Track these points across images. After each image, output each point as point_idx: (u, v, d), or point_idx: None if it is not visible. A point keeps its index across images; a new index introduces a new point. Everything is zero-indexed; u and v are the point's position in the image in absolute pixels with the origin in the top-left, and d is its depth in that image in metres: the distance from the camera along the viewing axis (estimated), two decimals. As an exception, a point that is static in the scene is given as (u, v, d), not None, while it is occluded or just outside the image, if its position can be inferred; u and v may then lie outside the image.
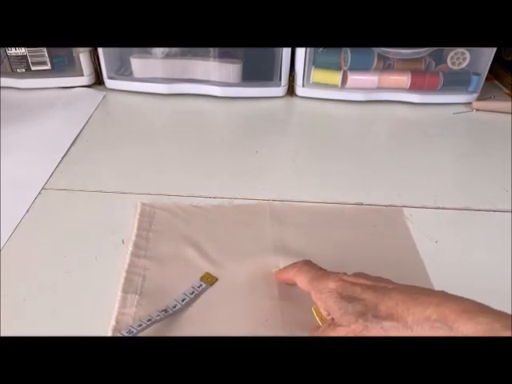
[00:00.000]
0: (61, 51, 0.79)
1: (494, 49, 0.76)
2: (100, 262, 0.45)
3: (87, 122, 0.71)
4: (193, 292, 0.41)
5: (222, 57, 0.77)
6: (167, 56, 0.77)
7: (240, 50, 0.78)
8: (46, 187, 0.55)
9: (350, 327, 0.32)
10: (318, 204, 0.55)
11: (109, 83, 0.81)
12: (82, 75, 0.80)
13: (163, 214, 0.51)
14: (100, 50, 0.78)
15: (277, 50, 0.76)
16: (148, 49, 0.77)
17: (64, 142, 0.65)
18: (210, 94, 0.79)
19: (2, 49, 0.75)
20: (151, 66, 0.78)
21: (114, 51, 0.81)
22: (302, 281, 0.37)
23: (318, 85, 0.80)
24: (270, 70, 0.79)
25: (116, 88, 0.81)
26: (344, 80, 0.79)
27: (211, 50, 0.76)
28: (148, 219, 0.50)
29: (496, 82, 0.90)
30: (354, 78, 0.78)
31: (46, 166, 0.59)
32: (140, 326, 0.37)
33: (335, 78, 0.79)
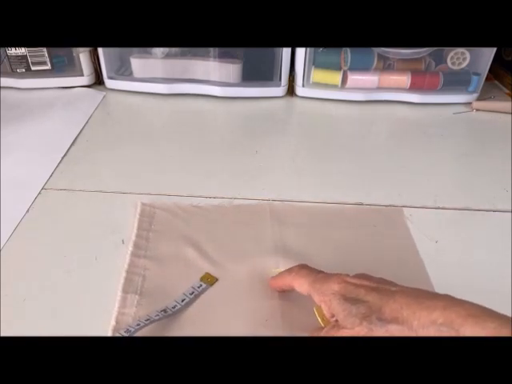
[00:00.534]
0: (61, 51, 0.79)
1: (494, 49, 0.76)
2: (100, 262, 0.45)
3: (87, 122, 0.71)
4: (192, 292, 0.41)
5: (222, 57, 0.77)
6: (167, 56, 0.77)
7: (240, 50, 0.78)
8: (46, 187, 0.55)
9: (354, 329, 0.32)
10: (318, 204, 0.55)
11: (109, 83, 0.81)
12: (82, 75, 0.80)
13: (163, 213, 0.51)
14: (100, 50, 0.78)
15: (277, 50, 0.76)
16: (148, 49, 0.77)
17: (64, 142, 0.65)
18: (210, 94, 0.79)
19: (2, 49, 0.75)
20: (151, 66, 0.78)
21: (114, 51, 0.81)
22: (301, 284, 0.37)
23: (318, 85, 0.80)
24: (270, 70, 0.79)
25: (116, 88, 0.81)
26: (344, 80, 0.79)
27: (211, 50, 0.76)
28: (148, 219, 0.50)
29: (496, 82, 0.90)
30: (354, 78, 0.78)
31: (46, 166, 0.59)
32: (138, 325, 0.37)
33: (335, 78, 0.78)
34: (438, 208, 0.55)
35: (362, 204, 0.55)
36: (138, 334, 0.36)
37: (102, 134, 0.68)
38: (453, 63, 0.77)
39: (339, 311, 0.33)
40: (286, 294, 0.42)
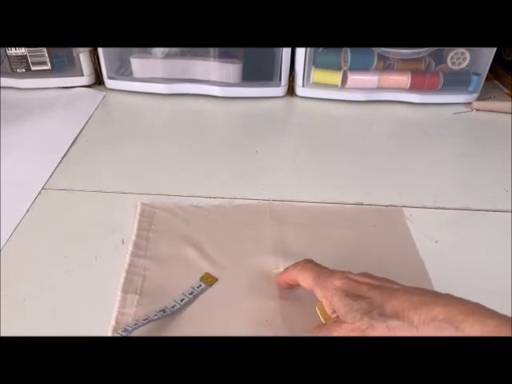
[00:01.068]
0: (61, 51, 0.79)
1: (494, 49, 0.76)
2: (100, 262, 0.45)
3: (87, 122, 0.71)
4: (192, 292, 0.41)
5: (222, 57, 0.77)
6: (167, 56, 0.77)
7: (240, 50, 0.78)
8: (46, 187, 0.55)
9: (355, 324, 0.32)
10: (318, 204, 0.55)
11: (109, 83, 0.81)
12: (82, 75, 0.80)
13: (163, 214, 0.51)
14: (100, 50, 0.78)
15: (277, 50, 0.76)
16: (148, 49, 0.77)
17: (64, 142, 0.65)
18: (210, 94, 0.79)
19: (2, 49, 0.75)
20: (151, 66, 0.78)
21: (114, 51, 0.81)
22: (305, 279, 0.37)
23: (318, 85, 0.80)
24: (270, 70, 0.79)
25: (116, 88, 0.81)
26: (344, 80, 0.79)
27: (211, 50, 0.76)
28: (148, 219, 0.50)
29: (496, 82, 0.90)
30: (354, 78, 0.78)
31: (46, 166, 0.59)
32: (136, 324, 0.37)
33: (335, 78, 0.78)
34: (438, 208, 0.55)
35: (362, 204, 0.55)
36: (137, 333, 0.36)
37: (102, 134, 0.68)
38: (453, 63, 0.77)
39: (340, 306, 0.33)
40: (285, 293, 0.42)
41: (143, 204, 0.52)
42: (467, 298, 0.30)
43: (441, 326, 0.28)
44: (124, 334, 0.36)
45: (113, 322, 0.38)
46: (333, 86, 0.80)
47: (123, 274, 0.43)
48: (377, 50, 0.76)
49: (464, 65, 0.77)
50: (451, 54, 0.76)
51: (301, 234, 0.49)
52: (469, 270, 0.46)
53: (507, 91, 0.86)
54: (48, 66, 0.78)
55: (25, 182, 0.56)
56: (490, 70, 0.80)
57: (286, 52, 0.76)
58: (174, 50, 0.77)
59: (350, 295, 0.33)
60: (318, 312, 0.37)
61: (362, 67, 0.78)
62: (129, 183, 0.57)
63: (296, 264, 0.39)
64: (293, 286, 0.41)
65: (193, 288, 0.42)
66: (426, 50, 0.76)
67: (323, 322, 0.37)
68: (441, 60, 0.78)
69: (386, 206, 0.55)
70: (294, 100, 0.82)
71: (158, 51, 0.77)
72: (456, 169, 0.64)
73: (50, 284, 0.42)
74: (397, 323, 0.30)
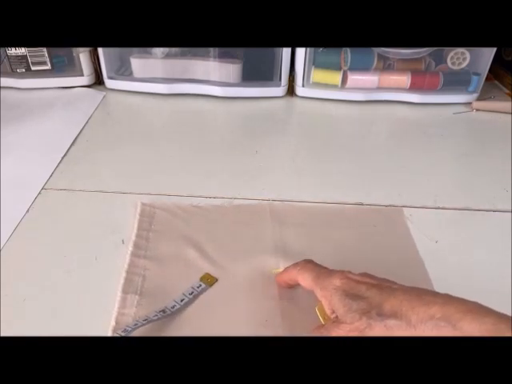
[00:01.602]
0: (61, 51, 0.79)
1: (494, 49, 0.76)
2: (100, 262, 0.45)
3: (87, 122, 0.71)
4: (192, 292, 0.41)
5: (222, 57, 0.77)
6: (167, 56, 0.77)
7: (240, 50, 0.78)
8: (46, 187, 0.55)
9: (353, 324, 0.32)
10: (318, 204, 0.55)
11: (109, 83, 0.81)
12: (82, 75, 0.80)
13: (163, 214, 0.51)
14: (100, 50, 0.78)
15: (277, 50, 0.76)
16: (148, 49, 0.77)
17: (64, 142, 0.65)
18: (210, 94, 0.79)
19: (2, 49, 0.75)
20: (151, 65, 0.78)
21: (114, 51, 0.81)
22: (305, 279, 0.37)
23: (317, 85, 0.80)
24: (269, 70, 0.79)
25: (116, 88, 0.81)
26: (344, 80, 0.79)
27: (211, 50, 0.76)
28: (148, 219, 0.50)
29: (496, 81, 0.90)
30: (354, 78, 0.78)
31: (46, 166, 0.59)
32: (136, 325, 0.37)
33: (335, 78, 0.78)
34: (438, 208, 0.55)
35: (362, 204, 0.55)
36: (137, 333, 0.36)
37: (102, 134, 0.68)
38: (453, 63, 0.77)
39: (339, 307, 0.33)
40: (285, 294, 0.42)
41: (143, 204, 0.52)
42: (467, 298, 0.30)
43: (438, 324, 0.29)
44: (123, 335, 0.36)
45: (113, 323, 0.38)
46: (333, 86, 0.80)
47: (123, 274, 0.43)
48: (377, 50, 0.76)
49: (464, 65, 0.77)
50: (451, 54, 0.76)
51: (301, 233, 0.49)
52: (469, 270, 0.46)
53: (507, 91, 0.86)
54: (48, 66, 0.78)
55: (25, 181, 0.56)
56: (490, 70, 0.80)
57: (286, 52, 0.76)
58: (174, 50, 0.77)
59: (349, 295, 0.33)
60: (318, 313, 0.37)
61: (362, 67, 0.78)
62: (129, 183, 0.57)
63: (296, 264, 0.39)
64: (292, 286, 0.41)
65: (193, 288, 0.42)
66: (425, 50, 0.76)
67: (323, 322, 0.37)
68: (441, 60, 0.78)
69: (386, 205, 0.55)
70: (294, 100, 0.82)
71: (158, 51, 0.77)
72: (456, 169, 0.64)
73: (50, 284, 0.42)
74: (394, 322, 0.31)
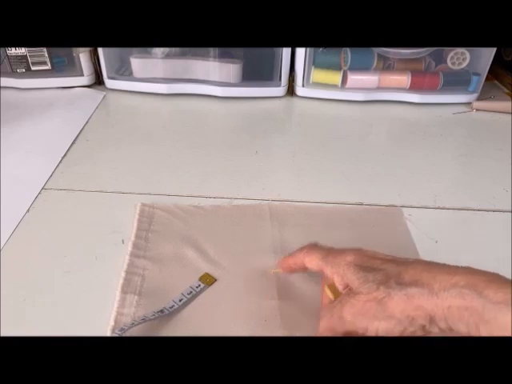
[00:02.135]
0: (61, 51, 0.79)
1: (494, 49, 0.76)
2: (100, 262, 0.45)
3: (87, 122, 0.71)
4: (191, 292, 0.41)
5: (222, 57, 0.77)
6: (167, 56, 0.77)
7: (240, 50, 0.79)
8: (46, 187, 0.55)
9: (371, 294, 0.31)
10: (318, 204, 0.55)
11: (109, 83, 0.81)
12: (82, 75, 0.80)
13: (163, 214, 0.51)
14: (100, 50, 0.78)
15: (277, 50, 0.76)
16: (148, 49, 0.77)
17: (64, 142, 0.65)
18: (210, 93, 0.79)
19: (2, 49, 0.75)
20: (151, 65, 0.78)
21: (114, 51, 0.81)
22: (312, 260, 0.36)
23: (317, 85, 0.80)
24: (269, 70, 0.79)
25: (116, 88, 0.81)
26: (344, 80, 0.79)
27: (211, 50, 0.76)
28: (147, 219, 0.50)
29: (496, 81, 0.90)
30: (354, 78, 0.78)
31: (45, 166, 0.59)
32: (133, 324, 0.37)
33: (335, 78, 0.79)
34: (438, 208, 0.55)
35: (362, 204, 0.55)
36: (135, 333, 0.36)
37: (102, 134, 0.68)
38: (453, 63, 0.77)
39: (354, 279, 0.32)
40: (285, 294, 0.41)
41: (143, 204, 0.52)
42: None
43: (462, 292, 0.28)
44: (120, 333, 0.36)
45: (112, 323, 0.38)
46: (333, 86, 0.80)
47: (122, 274, 0.43)
48: (377, 50, 0.76)
49: (464, 65, 0.77)
50: (451, 54, 0.76)
51: (301, 233, 0.49)
52: (469, 270, 0.46)
53: (507, 91, 0.86)
54: (48, 66, 0.78)
55: (25, 181, 0.56)
56: (490, 70, 0.80)
57: (286, 52, 0.76)
58: (174, 50, 0.77)
59: (363, 268, 0.32)
60: (328, 291, 0.36)
61: (362, 67, 0.78)
62: (129, 183, 0.57)
63: (301, 248, 0.39)
64: (295, 270, 0.40)
65: (192, 288, 0.42)
66: (425, 50, 0.76)
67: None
68: (441, 60, 0.78)
69: (386, 205, 0.54)
70: (294, 100, 0.82)
71: (158, 51, 0.77)
72: (456, 169, 0.64)
73: (49, 284, 0.42)
74: (416, 290, 0.29)
